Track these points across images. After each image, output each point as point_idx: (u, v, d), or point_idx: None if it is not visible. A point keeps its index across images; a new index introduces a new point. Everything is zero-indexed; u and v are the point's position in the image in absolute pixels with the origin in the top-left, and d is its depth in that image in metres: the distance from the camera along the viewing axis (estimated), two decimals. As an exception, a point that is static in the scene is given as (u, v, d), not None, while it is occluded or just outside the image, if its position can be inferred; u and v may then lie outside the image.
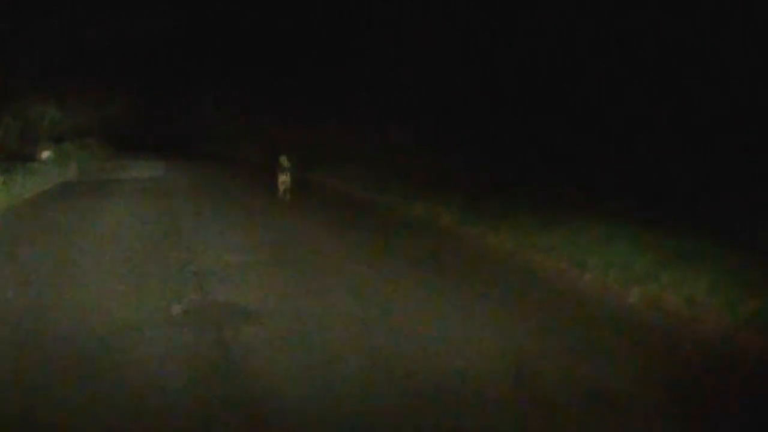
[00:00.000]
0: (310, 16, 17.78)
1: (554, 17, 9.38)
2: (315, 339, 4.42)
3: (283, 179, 11.40)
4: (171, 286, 5.83)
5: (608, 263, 5.91)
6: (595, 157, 8.40)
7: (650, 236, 6.27)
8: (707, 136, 7.07)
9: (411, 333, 4.52)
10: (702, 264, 5.40)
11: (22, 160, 16.56)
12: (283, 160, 11.46)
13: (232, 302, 5.31)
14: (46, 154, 19.70)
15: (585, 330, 4.56)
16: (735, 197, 6.32)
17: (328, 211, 10.43)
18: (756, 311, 4.48)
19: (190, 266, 6.56)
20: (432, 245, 7.77)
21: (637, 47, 8.13)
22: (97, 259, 7.08)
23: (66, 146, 23.25)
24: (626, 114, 8.22)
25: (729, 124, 6.94)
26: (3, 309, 5.25)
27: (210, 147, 28.10)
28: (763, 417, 3.33)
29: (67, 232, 8.97)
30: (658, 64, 7.89)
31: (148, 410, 3.43)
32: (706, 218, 6.22)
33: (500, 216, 8.11)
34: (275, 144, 20.94)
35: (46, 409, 3.47)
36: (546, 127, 9.61)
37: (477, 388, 3.60)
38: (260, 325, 4.70)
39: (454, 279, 6.03)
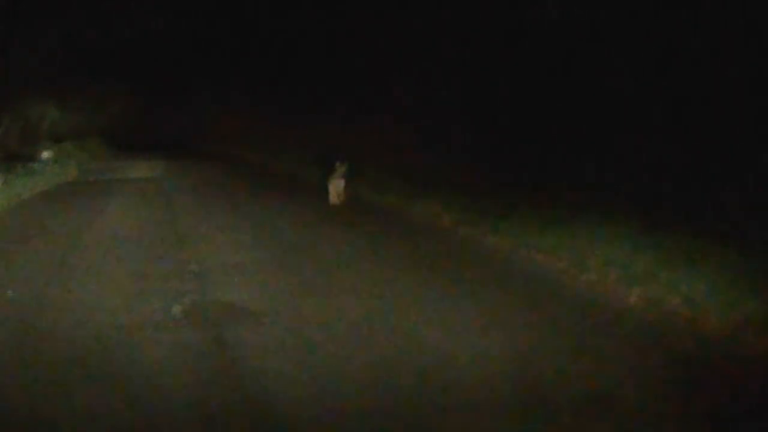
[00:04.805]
0: (311, 16, 17.80)
1: (554, 15, 9.38)
2: (316, 339, 4.43)
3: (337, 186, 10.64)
4: (171, 286, 5.84)
5: (608, 263, 5.90)
6: (595, 156, 8.39)
7: (650, 236, 6.27)
8: (708, 135, 7.06)
9: (411, 332, 4.53)
10: (702, 264, 5.40)
11: (22, 160, 16.57)
12: (338, 167, 10.59)
13: (232, 302, 5.32)
14: (46, 154, 19.71)
15: (584, 330, 4.56)
16: (735, 196, 6.32)
17: (329, 211, 10.40)
18: (756, 311, 4.49)
19: (191, 266, 6.57)
20: (432, 245, 7.77)
21: (636, 46, 8.13)
22: (98, 260, 7.09)
23: (66, 146, 23.26)
24: (626, 113, 8.21)
25: (729, 123, 6.94)
26: (3, 309, 5.26)
27: (210, 147, 28.13)
28: (764, 418, 3.33)
29: (68, 232, 8.97)
30: (658, 63, 7.89)
31: (149, 411, 3.43)
32: (706, 218, 6.22)
33: (500, 216, 8.12)
34: (274, 143, 20.97)
35: (46, 409, 3.47)
36: (546, 127, 9.61)
37: (477, 389, 3.60)
38: (261, 325, 4.72)
39: (454, 279, 6.02)
